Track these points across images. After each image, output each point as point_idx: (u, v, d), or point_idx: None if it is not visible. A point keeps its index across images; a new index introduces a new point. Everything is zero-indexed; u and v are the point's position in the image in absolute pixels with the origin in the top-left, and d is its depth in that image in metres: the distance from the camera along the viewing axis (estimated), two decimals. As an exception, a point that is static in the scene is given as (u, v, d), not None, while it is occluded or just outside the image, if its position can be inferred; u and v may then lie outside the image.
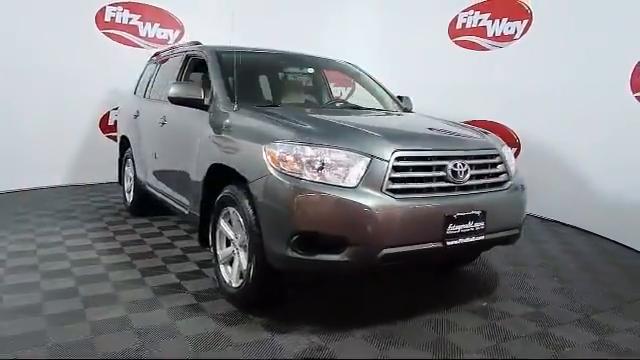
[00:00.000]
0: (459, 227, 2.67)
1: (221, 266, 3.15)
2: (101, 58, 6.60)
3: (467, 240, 2.71)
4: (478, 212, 2.73)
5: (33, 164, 6.25)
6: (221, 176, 3.12)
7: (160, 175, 4.31)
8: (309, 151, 2.56)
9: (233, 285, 2.99)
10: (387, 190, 2.52)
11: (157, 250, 4.04)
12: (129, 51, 6.89)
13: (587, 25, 5.09)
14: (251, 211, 2.73)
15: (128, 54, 6.84)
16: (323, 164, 2.53)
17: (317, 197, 2.46)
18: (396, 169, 2.57)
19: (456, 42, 6.62)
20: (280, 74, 4.37)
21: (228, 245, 3.12)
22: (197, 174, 3.38)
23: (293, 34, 6.77)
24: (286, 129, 2.77)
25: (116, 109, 6.67)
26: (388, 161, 2.55)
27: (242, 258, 2.91)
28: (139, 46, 6.99)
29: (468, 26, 6.49)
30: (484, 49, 6.27)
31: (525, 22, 5.79)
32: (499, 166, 3.01)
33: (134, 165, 4.97)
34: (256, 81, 4.07)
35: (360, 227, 2.45)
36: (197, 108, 3.50)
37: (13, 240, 4.16)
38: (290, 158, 2.57)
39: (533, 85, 5.55)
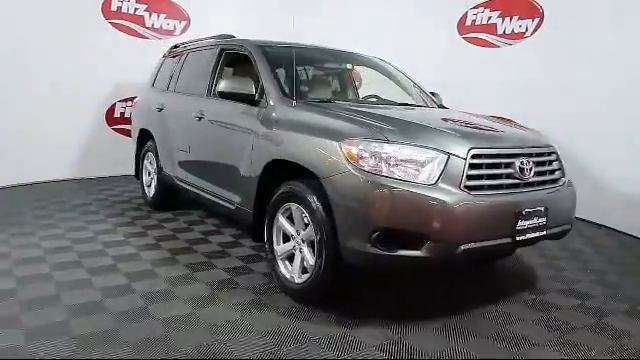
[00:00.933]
0: (526, 223, 2.74)
1: (279, 262, 3.14)
2: (107, 49, 6.47)
3: (533, 235, 2.79)
4: (542, 208, 2.82)
5: (39, 157, 6.09)
6: (279, 172, 3.12)
7: (194, 169, 4.25)
8: (388, 148, 2.59)
9: (296, 281, 2.99)
10: (464, 187, 2.57)
11: (194, 245, 4.01)
12: (135, 42, 6.76)
13: (599, 24, 5.25)
14: (321, 207, 2.74)
15: (134, 45, 6.72)
16: (402, 161, 2.56)
17: (398, 194, 2.49)
18: (472, 166, 2.62)
19: (465, 39, 6.73)
20: (322, 69, 4.36)
21: (286, 241, 3.12)
22: (250, 170, 3.35)
23: (300, 32, 6.79)
24: (360, 126, 2.77)
25: (130, 100, 6.57)
26: (465, 159, 2.60)
27: (307, 253, 2.92)
28: (145, 37, 6.87)
29: (478, 23, 6.59)
30: (494, 46, 6.39)
31: (536, 20, 5.93)
32: (554, 163, 3.10)
33: (158, 159, 4.88)
34: (302, 76, 4.05)
35: (441, 223, 2.49)
36: (246, 104, 3.48)
37: (44, 236, 4.05)
38: (367, 155, 2.59)
39: (543, 82, 5.68)
